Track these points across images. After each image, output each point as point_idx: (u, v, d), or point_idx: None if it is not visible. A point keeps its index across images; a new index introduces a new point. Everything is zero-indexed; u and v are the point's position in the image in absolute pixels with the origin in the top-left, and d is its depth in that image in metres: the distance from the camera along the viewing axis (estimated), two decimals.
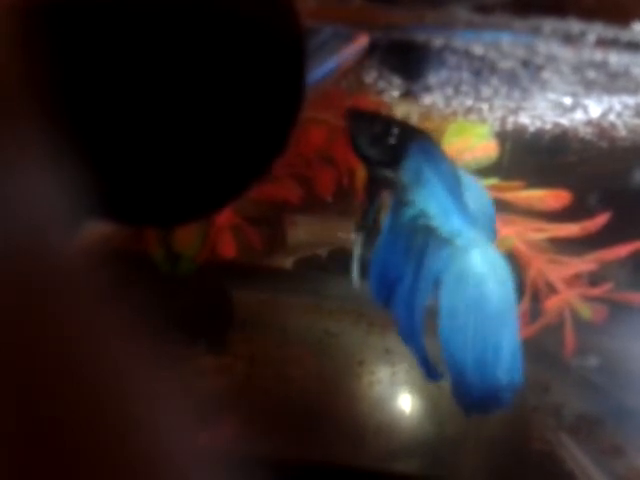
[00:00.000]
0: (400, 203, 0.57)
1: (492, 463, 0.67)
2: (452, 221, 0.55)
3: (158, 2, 0.25)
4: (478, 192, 0.58)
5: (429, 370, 0.57)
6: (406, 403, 0.74)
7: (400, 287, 0.58)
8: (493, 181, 0.73)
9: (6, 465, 0.12)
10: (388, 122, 0.56)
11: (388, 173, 0.57)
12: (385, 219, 0.60)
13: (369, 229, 0.62)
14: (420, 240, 0.57)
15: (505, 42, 0.41)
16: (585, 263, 0.73)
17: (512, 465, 0.66)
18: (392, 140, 0.56)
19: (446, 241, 0.55)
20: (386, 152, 0.56)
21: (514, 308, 0.54)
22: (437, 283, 0.56)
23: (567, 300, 0.73)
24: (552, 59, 0.44)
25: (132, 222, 0.29)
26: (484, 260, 0.54)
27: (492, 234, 0.58)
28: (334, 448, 0.63)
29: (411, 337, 0.58)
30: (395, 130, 0.56)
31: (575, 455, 0.67)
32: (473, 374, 0.54)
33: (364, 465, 0.62)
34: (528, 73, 0.48)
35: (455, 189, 0.55)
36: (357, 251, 0.64)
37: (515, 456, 0.68)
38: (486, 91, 0.55)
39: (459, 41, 0.42)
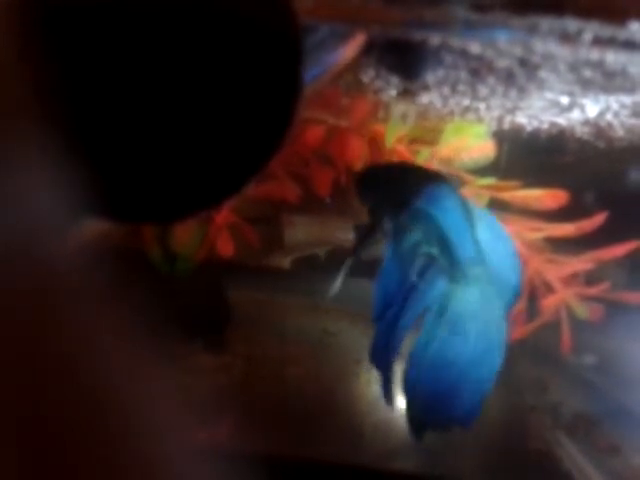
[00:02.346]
0: (401, 229, 0.57)
1: (490, 462, 0.67)
2: (455, 253, 0.54)
3: (157, 1, 0.25)
4: (505, 246, 0.57)
5: (387, 395, 0.58)
6: (404, 402, 0.74)
7: (389, 311, 0.56)
8: (490, 181, 0.74)
9: (6, 465, 0.12)
10: (399, 182, 0.57)
11: (391, 218, 0.57)
12: (386, 246, 0.59)
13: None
14: (418, 267, 0.56)
15: (502, 41, 0.41)
16: (582, 262, 0.73)
17: (509, 464, 0.66)
18: (402, 200, 0.56)
19: (444, 272, 0.54)
20: (393, 207, 0.56)
21: (497, 351, 0.54)
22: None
23: (564, 299, 0.74)
24: (549, 58, 0.44)
25: (129, 219, 0.29)
26: (477, 299, 0.53)
27: (513, 289, 0.56)
28: (332, 447, 0.63)
29: (382, 361, 0.57)
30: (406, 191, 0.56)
31: (572, 454, 0.67)
32: (429, 404, 0.54)
33: (362, 464, 0.62)
34: (525, 72, 0.49)
35: (464, 225, 0.54)
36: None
37: (512, 455, 0.68)
38: (483, 90, 0.56)
39: (456, 40, 0.42)
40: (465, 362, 0.53)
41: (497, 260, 0.55)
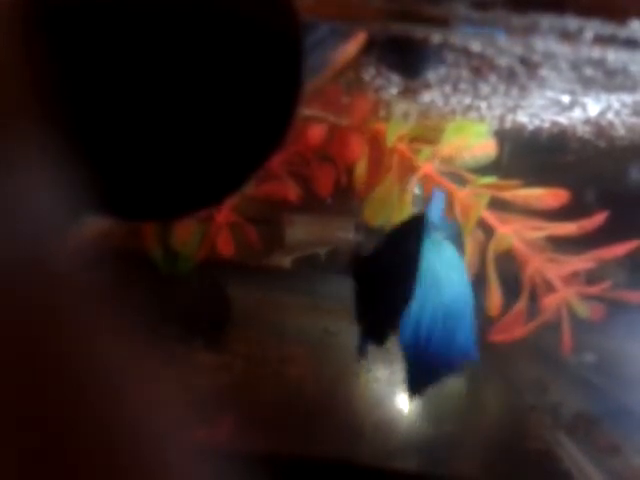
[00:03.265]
0: None
1: (489, 461, 0.67)
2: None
3: (158, 1, 0.25)
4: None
5: (363, 344, 0.64)
6: (404, 401, 0.74)
7: None
8: (491, 180, 0.74)
9: (7, 465, 0.12)
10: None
11: None
12: None
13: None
14: None
15: (502, 39, 0.41)
16: (583, 261, 0.73)
17: (509, 463, 0.66)
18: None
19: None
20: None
21: (465, 289, 0.62)
22: None
23: (565, 298, 0.74)
24: (550, 56, 0.44)
25: (130, 217, 0.29)
26: (437, 255, 0.62)
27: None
28: (332, 446, 0.63)
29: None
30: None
31: (572, 454, 0.67)
32: (419, 352, 0.61)
33: (363, 463, 0.62)
34: (526, 70, 0.48)
35: None
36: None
37: (512, 455, 0.68)
38: (484, 89, 0.56)
39: (457, 38, 0.42)
40: (444, 303, 0.61)
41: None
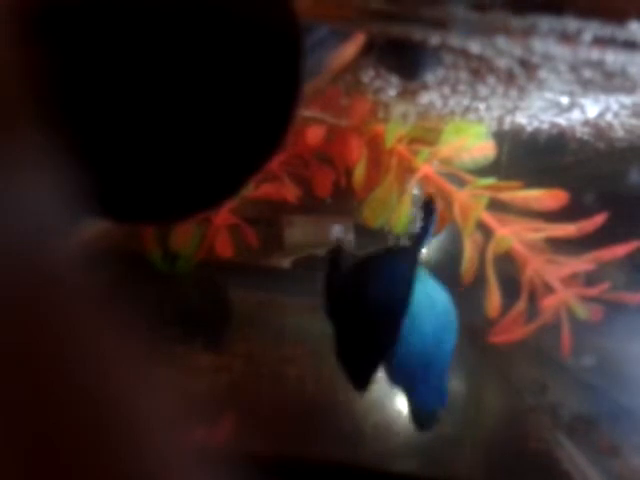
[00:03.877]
0: None
1: (489, 463, 0.67)
2: None
3: (157, 1, 0.25)
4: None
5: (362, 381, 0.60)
6: (403, 402, 0.74)
7: None
8: (490, 181, 0.74)
9: (5, 465, 0.12)
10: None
11: None
12: None
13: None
14: None
15: (501, 40, 0.41)
16: (582, 263, 0.73)
17: (509, 465, 0.66)
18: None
19: None
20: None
21: (451, 334, 0.58)
22: None
23: (564, 300, 0.74)
24: (548, 58, 0.44)
25: (128, 219, 0.29)
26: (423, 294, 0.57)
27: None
28: (331, 448, 0.63)
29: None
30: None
31: (572, 455, 0.67)
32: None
33: (362, 464, 0.62)
34: (525, 72, 0.48)
35: None
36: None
37: (512, 456, 0.68)
38: (483, 90, 0.56)
39: (456, 39, 0.42)
40: (427, 344, 0.57)
41: None
